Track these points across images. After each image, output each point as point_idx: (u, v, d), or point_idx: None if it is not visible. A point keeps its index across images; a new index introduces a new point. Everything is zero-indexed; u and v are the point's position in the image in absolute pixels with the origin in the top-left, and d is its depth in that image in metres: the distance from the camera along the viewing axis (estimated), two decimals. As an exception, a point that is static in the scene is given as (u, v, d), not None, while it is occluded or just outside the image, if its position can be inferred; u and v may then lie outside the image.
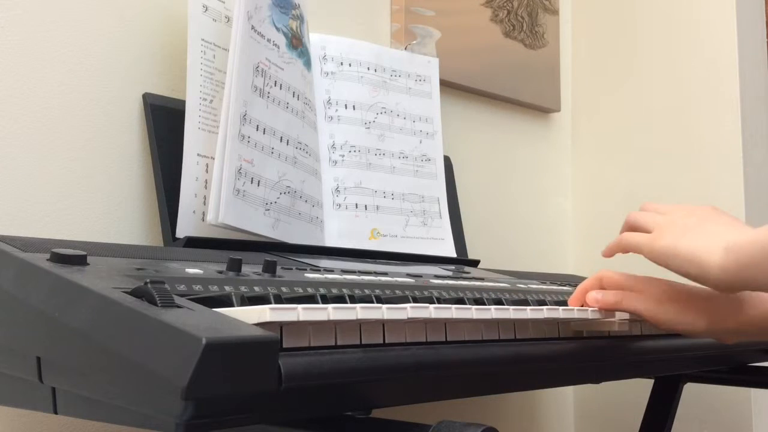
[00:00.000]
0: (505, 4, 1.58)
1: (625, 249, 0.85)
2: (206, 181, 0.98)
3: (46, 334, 0.58)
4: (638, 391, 1.44)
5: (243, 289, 0.64)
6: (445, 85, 1.41)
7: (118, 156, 1.02)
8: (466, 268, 1.16)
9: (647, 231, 0.82)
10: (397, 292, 0.77)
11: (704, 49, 1.56)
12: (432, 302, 0.77)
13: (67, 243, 0.73)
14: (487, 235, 1.52)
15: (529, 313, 0.73)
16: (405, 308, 0.61)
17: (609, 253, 0.87)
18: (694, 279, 0.77)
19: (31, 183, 0.94)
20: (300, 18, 1.08)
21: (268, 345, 0.49)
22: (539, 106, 1.66)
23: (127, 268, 0.66)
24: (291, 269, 0.81)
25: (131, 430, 0.78)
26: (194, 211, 0.97)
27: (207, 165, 0.98)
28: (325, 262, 0.94)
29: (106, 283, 0.57)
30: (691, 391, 1.42)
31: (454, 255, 1.26)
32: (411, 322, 0.63)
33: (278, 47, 1.03)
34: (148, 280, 0.54)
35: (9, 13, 0.94)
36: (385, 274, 0.88)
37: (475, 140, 1.54)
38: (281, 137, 1.02)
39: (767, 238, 0.71)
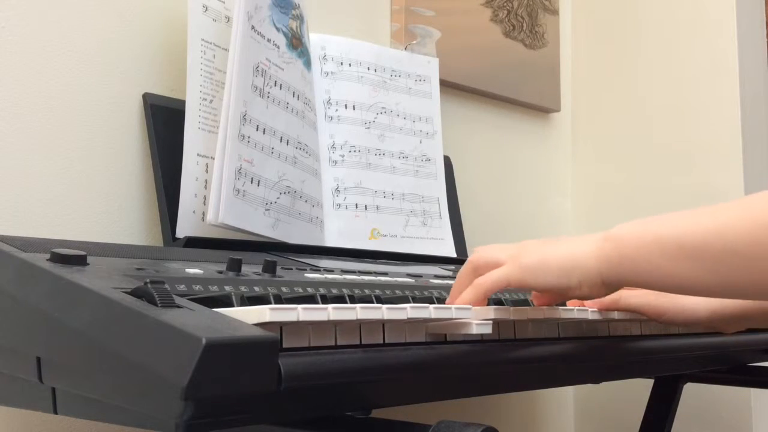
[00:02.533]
0: (505, 4, 1.58)
1: (486, 292, 0.71)
2: (206, 181, 0.98)
3: (46, 334, 0.58)
4: (638, 391, 1.44)
5: (243, 289, 0.64)
6: (445, 85, 1.41)
7: (118, 156, 1.02)
8: (466, 268, 1.16)
9: (499, 265, 0.73)
10: (397, 292, 0.77)
11: (704, 49, 1.56)
12: (432, 302, 0.77)
13: (67, 243, 0.73)
14: (487, 235, 1.52)
15: (529, 312, 0.73)
16: (405, 308, 0.61)
17: (467, 303, 0.71)
18: (567, 287, 0.70)
19: (31, 183, 0.94)
20: (300, 18, 1.08)
21: (268, 345, 0.49)
22: (539, 106, 1.66)
23: (127, 268, 0.66)
24: (291, 269, 0.81)
25: (131, 430, 0.78)
26: (194, 211, 0.97)
27: (207, 165, 0.98)
28: (325, 262, 0.94)
29: (106, 283, 0.57)
30: (691, 391, 1.42)
31: (454, 255, 1.26)
32: (411, 322, 0.63)
33: (278, 47, 1.03)
34: (148, 280, 0.54)
35: (9, 14, 0.94)
36: (385, 274, 0.88)
37: (475, 140, 1.54)
38: (281, 137, 1.02)
39: (658, 228, 0.65)
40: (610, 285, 0.70)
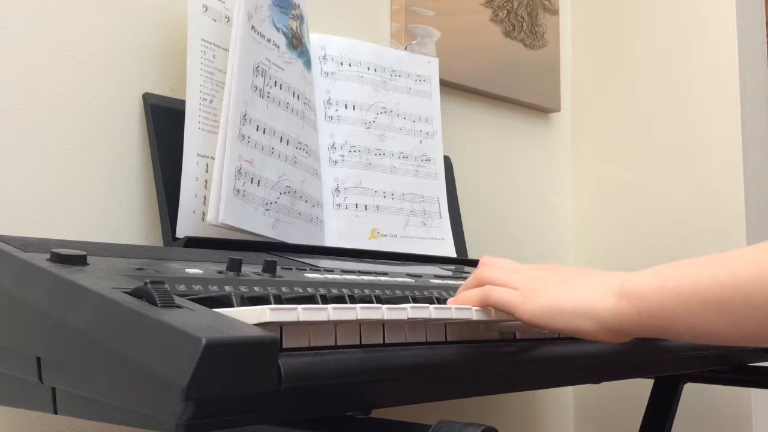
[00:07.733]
0: (505, 4, 1.58)
1: (490, 304, 0.72)
2: (206, 181, 0.98)
3: (46, 334, 0.58)
4: (638, 391, 1.44)
5: (243, 289, 0.64)
6: (445, 85, 1.41)
7: (118, 156, 1.02)
8: (466, 268, 1.16)
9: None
10: (397, 292, 0.77)
11: (704, 49, 1.56)
12: (432, 302, 0.77)
13: (67, 243, 0.73)
14: (487, 235, 1.52)
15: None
16: (405, 308, 0.61)
17: (470, 303, 0.72)
18: (585, 334, 0.69)
19: (31, 183, 0.94)
20: (300, 18, 1.08)
21: (268, 345, 0.49)
22: (539, 106, 1.66)
23: (127, 268, 0.66)
24: (291, 269, 0.81)
25: (131, 430, 0.78)
26: (194, 211, 0.97)
27: (207, 165, 0.98)
28: (325, 262, 0.94)
29: (106, 284, 0.57)
30: (691, 391, 1.42)
31: (454, 255, 1.26)
32: (411, 322, 0.63)
33: (278, 47, 1.03)
34: (148, 281, 0.54)
35: (9, 13, 0.94)
36: (385, 274, 0.88)
37: (475, 140, 1.54)
38: (281, 137, 1.02)
39: (676, 284, 0.64)
40: (628, 336, 0.69)
